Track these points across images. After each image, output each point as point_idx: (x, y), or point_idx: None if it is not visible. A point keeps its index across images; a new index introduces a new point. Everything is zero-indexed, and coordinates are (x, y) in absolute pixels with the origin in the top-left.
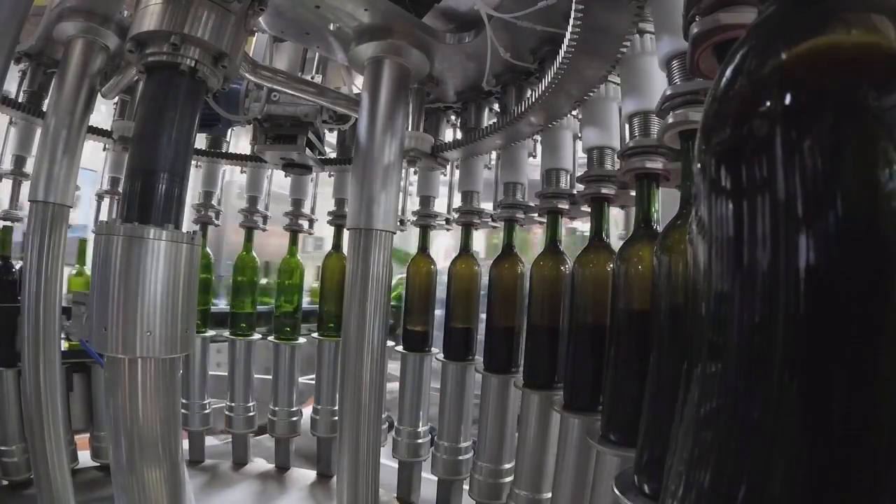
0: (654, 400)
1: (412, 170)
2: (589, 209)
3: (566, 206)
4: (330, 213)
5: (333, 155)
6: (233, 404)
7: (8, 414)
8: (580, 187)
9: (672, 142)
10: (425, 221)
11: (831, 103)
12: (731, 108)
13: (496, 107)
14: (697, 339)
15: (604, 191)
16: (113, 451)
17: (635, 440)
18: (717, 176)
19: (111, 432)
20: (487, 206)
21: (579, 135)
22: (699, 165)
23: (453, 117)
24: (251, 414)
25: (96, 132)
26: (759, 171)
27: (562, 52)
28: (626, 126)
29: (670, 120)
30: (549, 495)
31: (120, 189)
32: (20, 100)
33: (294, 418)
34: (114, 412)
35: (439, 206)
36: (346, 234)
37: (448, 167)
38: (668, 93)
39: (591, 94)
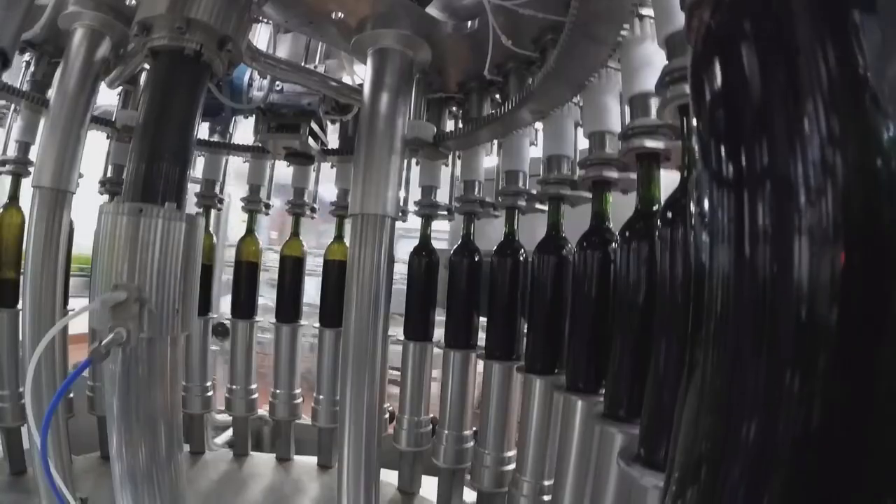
0: (657, 380)
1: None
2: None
3: (568, 192)
4: (332, 204)
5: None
6: (234, 387)
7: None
8: (581, 175)
9: (672, 117)
10: (427, 211)
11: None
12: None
13: (498, 96)
14: (699, 319)
15: (605, 174)
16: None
17: (638, 419)
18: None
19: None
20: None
21: (581, 122)
22: (694, 108)
23: (455, 107)
24: (253, 397)
25: (99, 121)
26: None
27: (562, 38)
28: (627, 109)
29: (669, 94)
30: (551, 482)
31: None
32: (25, 89)
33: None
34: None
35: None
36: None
37: (450, 157)
38: (667, 68)
39: (592, 79)
